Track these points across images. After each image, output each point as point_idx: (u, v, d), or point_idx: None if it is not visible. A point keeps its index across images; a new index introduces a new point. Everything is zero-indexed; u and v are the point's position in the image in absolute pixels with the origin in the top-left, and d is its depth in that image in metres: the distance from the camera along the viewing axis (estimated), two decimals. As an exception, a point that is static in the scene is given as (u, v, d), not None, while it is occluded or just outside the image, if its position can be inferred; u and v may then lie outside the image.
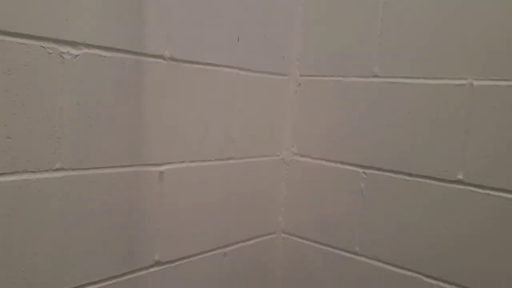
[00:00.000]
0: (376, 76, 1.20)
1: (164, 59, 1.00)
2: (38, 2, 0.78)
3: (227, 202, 1.22)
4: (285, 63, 1.33)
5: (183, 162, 1.08)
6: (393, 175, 1.17)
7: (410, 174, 1.15)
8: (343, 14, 1.26)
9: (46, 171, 0.83)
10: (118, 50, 0.91)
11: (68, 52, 0.84)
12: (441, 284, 1.10)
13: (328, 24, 1.29)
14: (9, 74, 0.76)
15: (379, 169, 1.20)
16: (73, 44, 0.84)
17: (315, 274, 1.33)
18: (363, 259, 1.23)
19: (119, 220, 0.96)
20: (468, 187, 1.06)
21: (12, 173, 0.79)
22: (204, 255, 1.17)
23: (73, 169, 0.87)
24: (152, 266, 1.04)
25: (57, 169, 0.85)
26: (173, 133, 1.05)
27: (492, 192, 1.03)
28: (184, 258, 1.12)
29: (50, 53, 0.81)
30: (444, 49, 1.08)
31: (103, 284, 0.95)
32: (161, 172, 1.04)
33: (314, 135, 1.34)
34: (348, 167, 1.26)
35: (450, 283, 1.09)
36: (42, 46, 0.80)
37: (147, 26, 0.96)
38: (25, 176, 0.81)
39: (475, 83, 1.04)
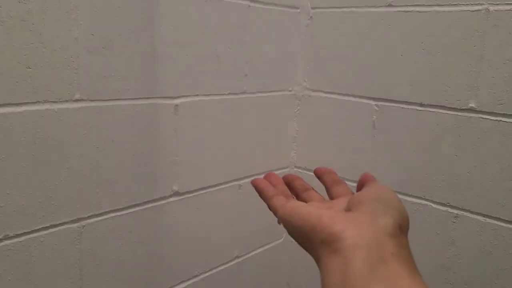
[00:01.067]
0: (390, 5, 1.18)
1: (176, -11, 0.99)
2: None
3: (241, 136, 1.24)
4: (296, -5, 1.31)
5: (197, 95, 1.10)
6: (405, 106, 1.18)
7: (422, 104, 1.15)
8: None
9: (66, 101, 0.85)
10: (129, -20, 0.90)
11: (80, -19, 0.83)
12: (450, 210, 1.14)
13: (340, -47, 1.26)
14: (24, 3, 0.76)
15: (391, 100, 1.21)
16: (85, -28, 0.83)
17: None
18: (374, 189, 1.27)
19: (138, 151, 0.99)
20: (479, 115, 1.07)
21: (34, 103, 0.81)
22: (220, 187, 1.21)
23: (91, 100, 0.89)
24: (171, 196, 1.09)
25: (76, 100, 0.87)
26: (187, 66, 1.05)
27: (503, 119, 1.04)
28: (201, 189, 1.16)
29: (62, -18, 0.81)
30: (461, -27, 1.06)
31: (126, 211, 0.99)
32: (176, 105, 1.05)
33: (326, 69, 1.34)
34: (360, 100, 1.27)
35: (459, 208, 1.12)
36: (54, -26, 0.79)
37: (157, -46, 0.94)
38: (46, 106, 0.83)
39: (491, 8, 1.02)
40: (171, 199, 1.09)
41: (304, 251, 0.40)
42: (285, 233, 1.30)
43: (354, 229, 0.34)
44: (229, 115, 1.19)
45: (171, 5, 0.99)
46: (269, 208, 0.48)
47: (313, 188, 0.52)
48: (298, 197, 0.52)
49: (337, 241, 0.34)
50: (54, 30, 0.81)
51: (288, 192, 0.52)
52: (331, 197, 0.49)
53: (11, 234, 0.81)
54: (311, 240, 0.37)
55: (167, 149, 1.06)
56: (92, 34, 0.87)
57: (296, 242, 0.41)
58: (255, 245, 1.36)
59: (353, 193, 0.46)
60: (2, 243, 0.80)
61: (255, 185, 0.52)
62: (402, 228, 0.36)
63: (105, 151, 0.93)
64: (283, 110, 1.37)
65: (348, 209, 0.39)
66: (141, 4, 0.93)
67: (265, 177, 0.54)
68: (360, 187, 0.46)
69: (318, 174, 0.52)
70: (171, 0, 0.99)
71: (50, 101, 0.83)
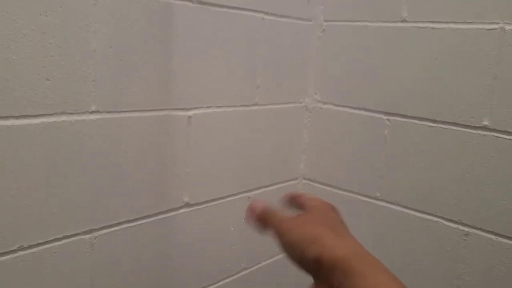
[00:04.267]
0: (404, 20, 1.18)
1: (192, 1, 0.99)
2: None
3: (252, 148, 1.24)
4: (310, 7, 1.31)
5: (209, 107, 1.10)
6: (417, 122, 1.18)
7: (434, 121, 1.15)
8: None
9: (83, 113, 0.85)
10: (147, -8, 0.91)
11: (99, -6, 0.83)
12: (461, 227, 1.13)
13: (354, -33, 1.26)
14: (45, 16, 0.77)
15: (403, 115, 1.21)
16: (105, -15, 0.84)
17: (336, 218, 1.37)
18: (383, 203, 1.27)
19: (151, 162, 0.99)
20: (493, 133, 1.07)
21: (51, 115, 0.81)
22: (229, 199, 1.20)
23: (107, 112, 0.89)
24: (181, 207, 1.09)
25: (92, 112, 0.87)
26: (200, 77, 1.06)
27: (517, 138, 1.04)
28: (211, 200, 1.16)
29: (82, -6, 0.81)
30: (477, -8, 1.06)
31: (138, 222, 0.99)
32: (189, 117, 1.05)
33: (337, 81, 1.34)
34: (371, 114, 1.27)
35: (470, 226, 1.12)
36: (75, -13, 0.80)
37: (175, -33, 0.95)
38: (63, 118, 0.83)
39: (507, 27, 1.02)
40: (182, 210, 1.09)
41: None
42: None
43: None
44: (240, 127, 1.19)
45: (186, 18, 0.99)
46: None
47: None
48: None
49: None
50: (73, 42, 0.81)
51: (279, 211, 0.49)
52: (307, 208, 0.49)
53: (25, 245, 0.81)
54: (303, 257, 0.41)
55: (179, 161, 1.06)
56: (110, 47, 0.87)
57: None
58: (263, 257, 1.35)
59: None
60: (17, 254, 0.80)
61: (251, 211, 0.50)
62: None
63: (118, 162, 0.93)
64: (294, 122, 1.37)
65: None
66: (157, 17, 0.94)
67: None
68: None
69: (291, 199, 0.52)
70: (186, 13, 0.99)
71: (67, 113, 0.83)
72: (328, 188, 1.38)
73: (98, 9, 0.83)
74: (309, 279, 0.41)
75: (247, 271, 1.31)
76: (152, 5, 0.92)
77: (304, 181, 1.44)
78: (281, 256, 1.40)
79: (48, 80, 0.79)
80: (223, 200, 1.19)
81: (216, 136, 1.13)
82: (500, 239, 1.07)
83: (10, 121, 0.76)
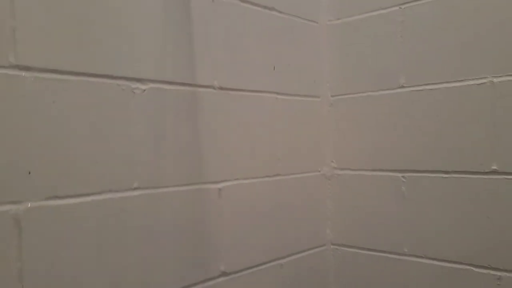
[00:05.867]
0: (402, 86, 1.31)
1: (214, 88, 1.14)
2: (111, 48, 0.94)
3: (279, 217, 1.31)
4: (316, 86, 1.46)
5: (237, 179, 1.20)
6: (431, 175, 1.26)
7: (446, 172, 1.23)
8: (365, 36, 1.39)
9: (126, 190, 0.96)
10: (176, 83, 1.06)
11: (137, 88, 0.98)
12: (492, 272, 1.15)
13: (352, 47, 1.43)
14: (94, 109, 0.91)
15: (416, 171, 1.29)
16: (141, 80, 0.99)
17: (368, 278, 1.39)
18: (412, 258, 1.30)
19: (187, 234, 1.07)
20: (503, 176, 1.14)
21: (99, 193, 0.92)
22: (263, 266, 1.25)
23: (147, 188, 1.00)
24: (219, 276, 1.14)
25: (135, 188, 0.97)
26: (226, 153, 1.17)
27: (527, 177, 1.10)
28: (246, 269, 1.21)
29: (123, 89, 0.96)
30: (463, 52, 1.19)
31: (179, 293, 1.05)
32: (220, 189, 1.15)
33: (351, 148, 1.44)
34: (387, 173, 1.35)
35: (500, 270, 1.14)
36: (117, 84, 0.95)
37: (197, 61, 1.11)
38: (109, 195, 0.93)
39: (495, 80, 1.14)
40: (220, 279, 1.14)
41: None
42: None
43: None
44: (266, 196, 1.28)
45: (210, 102, 1.14)
46: None
47: None
48: None
49: None
50: (117, 130, 0.94)
51: None
52: None
53: (80, 317, 0.87)
54: None
55: (213, 231, 1.13)
56: (147, 131, 1.00)
57: None
58: (301, 327, 1.36)
59: None
60: (72, 326, 0.86)
61: None
62: None
63: (157, 236, 1.01)
64: (315, 190, 1.45)
65: None
66: (186, 102, 1.08)
67: None
68: None
69: None
70: (210, 98, 1.14)
71: (113, 191, 0.94)
72: (356, 250, 1.42)
73: (136, 101, 0.98)
74: None
75: None
76: (180, 93, 1.07)
77: (332, 246, 1.48)
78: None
79: (97, 163, 0.91)
80: (257, 268, 1.24)
81: (245, 206, 1.22)
82: (532, 278, 1.09)
83: (67, 200, 0.87)
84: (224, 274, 1.15)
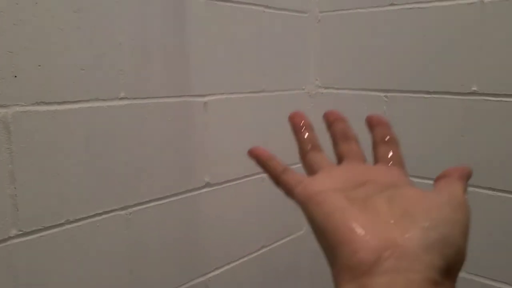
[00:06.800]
0: (392, 4, 1.29)
1: (201, -3, 1.11)
2: None
3: (262, 133, 1.34)
4: (305, 0, 1.42)
5: (223, 94, 1.20)
6: (413, 95, 1.29)
7: (428, 92, 1.26)
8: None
9: (113, 99, 0.95)
10: (162, -10, 1.02)
11: (122, -8, 0.94)
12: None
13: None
14: (79, 13, 0.87)
15: (399, 91, 1.31)
16: (126, -15, 0.95)
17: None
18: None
19: (173, 145, 1.09)
20: (482, 97, 1.17)
21: (86, 101, 0.91)
22: (246, 179, 1.30)
23: (134, 98, 0.99)
24: (203, 187, 1.18)
25: (122, 98, 0.97)
26: (213, 67, 1.16)
27: (504, 99, 1.14)
28: (230, 181, 1.25)
29: (108, -6, 0.92)
30: (456, -29, 1.17)
31: (166, 200, 1.09)
32: (205, 103, 1.15)
33: (336, 67, 1.44)
34: (370, 93, 1.37)
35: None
36: (101, -13, 0.90)
37: (184, -33, 1.06)
38: (97, 104, 0.93)
39: (485, 0, 1.14)
40: (204, 190, 1.18)
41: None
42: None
43: (393, 264, 0.25)
44: (250, 112, 1.29)
45: (198, 14, 1.10)
46: (278, 185, 0.37)
47: (355, 139, 0.41)
48: (334, 148, 0.41)
49: (367, 275, 0.25)
50: (103, 36, 0.92)
51: (317, 140, 0.40)
52: (376, 159, 0.39)
53: (71, 219, 0.90)
54: (333, 254, 0.28)
55: (199, 144, 1.16)
56: (133, 40, 0.97)
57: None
58: (280, 236, 1.44)
59: (402, 163, 0.38)
60: (64, 227, 0.90)
61: (255, 155, 0.40)
62: (452, 273, 0.27)
63: (145, 145, 1.03)
64: (297, 107, 1.47)
65: (396, 213, 0.29)
66: (172, 13, 1.04)
67: (290, 118, 0.42)
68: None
69: (370, 125, 0.42)
70: (198, 9, 1.10)
71: (100, 99, 0.93)
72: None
73: (122, 8, 0.94)
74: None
75: (266, 249, 1.40)
76: (168, 2, 1.03)
77: (312, 162, 1.53)
78: (298, 234, 1.49)
79: (83, 70, 0.89)
80: (240, 181, 1.28)
81: (230, 121, 1.23)
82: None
83: (54, 106, 0.86)
84: (208, 184, 1.19)
